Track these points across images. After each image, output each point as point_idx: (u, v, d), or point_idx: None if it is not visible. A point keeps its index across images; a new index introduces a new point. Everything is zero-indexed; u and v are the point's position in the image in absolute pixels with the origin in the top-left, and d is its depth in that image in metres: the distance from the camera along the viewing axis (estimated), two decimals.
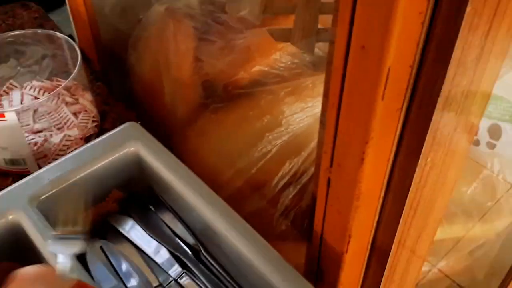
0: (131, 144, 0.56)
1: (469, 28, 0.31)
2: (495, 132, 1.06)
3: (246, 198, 0.71)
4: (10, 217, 0.51)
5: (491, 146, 1.02)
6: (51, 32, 0.73)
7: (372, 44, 0.32)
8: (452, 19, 0.31)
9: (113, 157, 0.56)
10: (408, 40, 0.32)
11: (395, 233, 0.45)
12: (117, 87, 0.85)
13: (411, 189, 0.40)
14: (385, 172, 0.41)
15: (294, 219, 0.68)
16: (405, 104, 0.36)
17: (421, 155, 0.38)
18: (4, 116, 0.60)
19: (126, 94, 0.84)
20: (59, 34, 0.72)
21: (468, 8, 0.30)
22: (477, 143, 1.03)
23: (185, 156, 0.76)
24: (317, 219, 0.47)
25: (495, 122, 1.08)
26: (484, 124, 1.07)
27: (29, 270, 0.44)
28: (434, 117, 0.35)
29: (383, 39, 0.31)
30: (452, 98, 0.35)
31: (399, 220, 0.43)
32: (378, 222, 0.46)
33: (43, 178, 0.54)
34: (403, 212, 0.42)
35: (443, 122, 0.37)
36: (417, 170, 0.39)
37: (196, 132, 0.73)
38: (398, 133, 0.38)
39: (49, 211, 0.53)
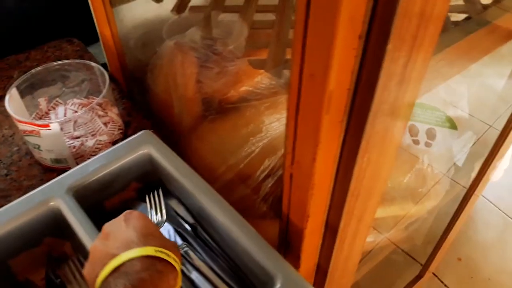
0: (145, 147, 0.56)
1: (391, 60, 0.31)
2: (431, 134, 1.06)
3: (236, 187, 0.71)
4: (52, 203, 0.51)
5: (428, 145, 1.03)
6: (87, 62, 0.72)
7: (318, 73, 0.32)
8: (377, 53, 0.30)
9: (131, 157, 0.56)
10: (345, 70, 0.32)
11: (342, 214, 0.45)
12: (139, 102, 0.85)
13: (352, 181, 0.40)
14: (332, 168, 0.41)
15: (271, 203, 0.67)
16: (345, 117, 0.36)
17: (358, 155, 0.38)
18: (49, 126, 0.60)
19: (146, 108, 0.83)
20: (93, 63, 0.72)
21: (389, 46, 0.30)
22: (417, 142, 1.04)
23: (189, 155, 0.76)
24: (284, 203, 0.47)
25: (431, 127, 1.08)
26: (422, 128, 1.07)
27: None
28: (366, 127, 0.35)
29: (326, 69, 0.31)
30: (381, 112, 0.35)
31: (344, 205, 0.43)
32: (330, 206, 0.46)
33: (78, 173, 0.54)
34: (347, 198, 0.42)
35: (375, 130, 0.36)
36: (356, 166, 0.39)
37: (197, 137, 0.73)
38: (341, 139, 0.38)
39: (83, 199, 0.52)
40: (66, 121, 0.69)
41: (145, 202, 0.56)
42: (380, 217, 0.70)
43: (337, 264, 0.53)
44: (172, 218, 0.54)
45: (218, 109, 0.74)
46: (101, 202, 0.55)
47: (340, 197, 0.43)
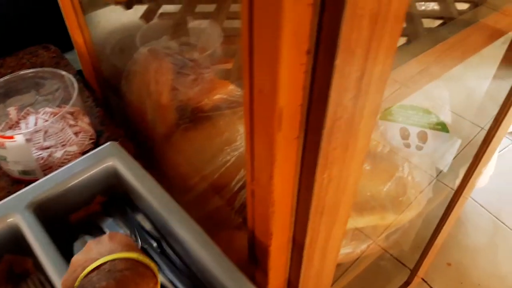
0: (110, 159, 0.54)
1: (341, 75, 0.29)
2: (422, 137, 1.04)
3: (211, 197, 0.69)
4: (11, 219, 0.49)
5: (420, 148, 1.01)
6: (57, 70, 0.70)
7: (266, 89, 0.30)
8: (327, 69, 0.29)
9: (96, 170, 0.54)
10: (295, 86, 0.31)
11: (307, 231, 0.43)
12: (115, 110, 0.83)
13: (313, 198, 0.39)
14: (293, 185, 0.39)
15: (246, 214, 0.66)
16: (302, 134, 0.35)
17: (317, 172, 0.36)
18: (13, 138, 0.58)
19: (122, 115, 0.82)
20: (63, 72, 0.70)
21: (337, 61, 0.28)
22: (408, 145, 1.02)
23: (163, 165, 0.75)
24: (249, 220, 0.46)
25: (422, 129, 1.07)
26: (414, 131, 1.06)
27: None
28: (322, 144, 0.33)
29: (273, 85, 0.29)
30: (337, 128, 0.34)
31: (308, 222, 0.42)
32: (295, 223, 0.44)
33: (40, 187, 0.52)
34: (310, 215, 0.41)
35: (332, 146, 0.35)
36: (316, 183, 0.37)
37: (171, 146, 0.71)
38: (299, 155, 0.37)
39: (45, 213, 0.51)
40: (35, 131, 0.67)
41: (110, 216, 0.55)
42: (367, 226, 0.69)
43: (308, 279, 0.52)
44: (138, 233, 0.53)
45: (192, 117, 0.72)
46: (65, 216, 0.53)
47: (304, 214, 0.42)
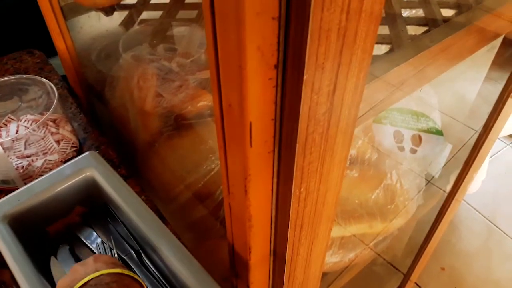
0: (89, 170, 0.54)
1: (311, 90, 0.29)
2: (416, 141, 1.04)
3: (195, 206, 0.68)
4: None
5: (413, 152, 1.00)
6: (38, 77, 0.70)
7: (235, 103, 0.30)
8: (295, 84, 0.28)
9: (75, 180, 0.53)
10: (265, 100, 0.30)
11: (287, 244, 0.42)
12: (100, 116, 0.82)
13: (291, 212, 0.38)
14: (271, 199, 0.39)
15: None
16: (276, 148, 0.34)
17: (293, 186, 0.35)
18: None
19: (106, 122, 0.81)
20: (44, 79, 0.69)
21: (305, 76, 0.27)
22: (402, 149, 1.01)
23: (147, 173, 0.74)
24: (228, 234, 0.45)
25: (416, 133, 1.06)
26: (408, 134, 1.05)
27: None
28: (296, 158, 0.33)
29: (242, 100, 0.29)
30: (311, 142, 0.33)
31: (287, 235, 0.41)
32: (274, 236, 0.43)
33: (16, 198, 0.51)
34: (289, 229, 0.40)
35: (307, 161, 0.34)
36: (292, 198, 0.37)
37: (154, 154, 0.70)
38: (275, 169, 0.36)
39: (21, 225, 0.50)
40: (17, 138, 0.66)
41: (90, 227, 0.54)
42: (356, 234, 0.68)
43: None
44: (118, 243, 0.52)
45: (176, 124, 0.71)
46: (43, 227, 0.52)
47: (283, 227, 0.41)
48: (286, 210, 0.39)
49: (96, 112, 0.82)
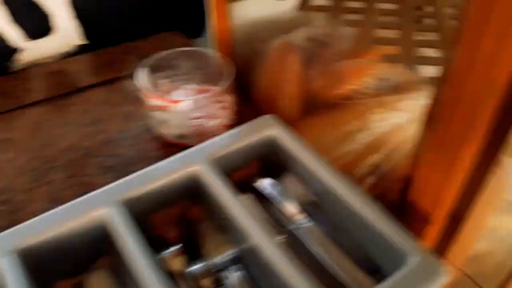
0: (270, 129, 0.62)
1: None
2: None
3: None
4: (191, 169, 0.57)
5: None
6: (203, 49, 0.79)
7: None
8: None
9: (257, 138, 0.62)
10: None
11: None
12: (245, 96, 0.91)
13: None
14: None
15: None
16: None
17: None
18: (180, 102, 0.67)
19: (252, 101, 0.89)
20: (210, 51, 0.78)
21: None
22: None
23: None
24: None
25: None
26: None
27: None
28: None
29: None
30: None
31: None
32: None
33: (214, 145, 0.60)
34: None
35: None
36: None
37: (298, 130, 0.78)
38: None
39: (220, 168, 0.58)
40: (191, 100, 0.75)
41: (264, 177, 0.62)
42: None
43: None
44: (294, 195, 0.59)
45: (320, 105, 0.79)
46: (231, 173, 0.61)
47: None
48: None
49: (244, 89, 0.91)
